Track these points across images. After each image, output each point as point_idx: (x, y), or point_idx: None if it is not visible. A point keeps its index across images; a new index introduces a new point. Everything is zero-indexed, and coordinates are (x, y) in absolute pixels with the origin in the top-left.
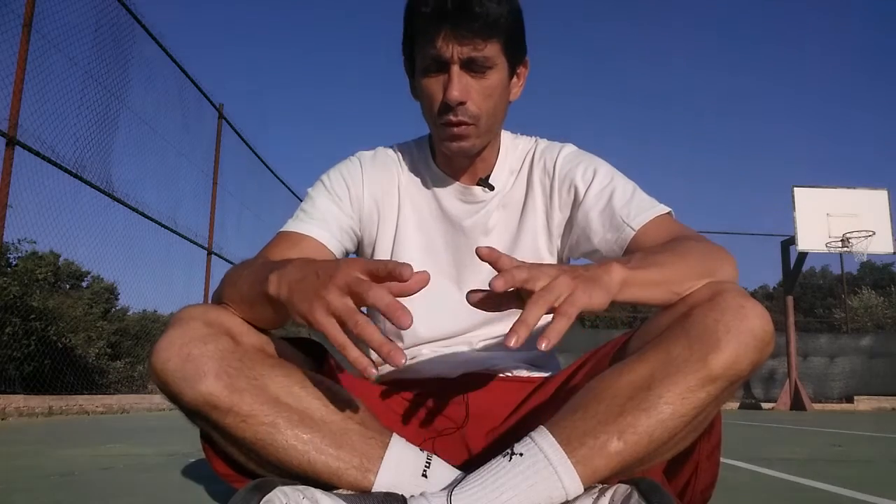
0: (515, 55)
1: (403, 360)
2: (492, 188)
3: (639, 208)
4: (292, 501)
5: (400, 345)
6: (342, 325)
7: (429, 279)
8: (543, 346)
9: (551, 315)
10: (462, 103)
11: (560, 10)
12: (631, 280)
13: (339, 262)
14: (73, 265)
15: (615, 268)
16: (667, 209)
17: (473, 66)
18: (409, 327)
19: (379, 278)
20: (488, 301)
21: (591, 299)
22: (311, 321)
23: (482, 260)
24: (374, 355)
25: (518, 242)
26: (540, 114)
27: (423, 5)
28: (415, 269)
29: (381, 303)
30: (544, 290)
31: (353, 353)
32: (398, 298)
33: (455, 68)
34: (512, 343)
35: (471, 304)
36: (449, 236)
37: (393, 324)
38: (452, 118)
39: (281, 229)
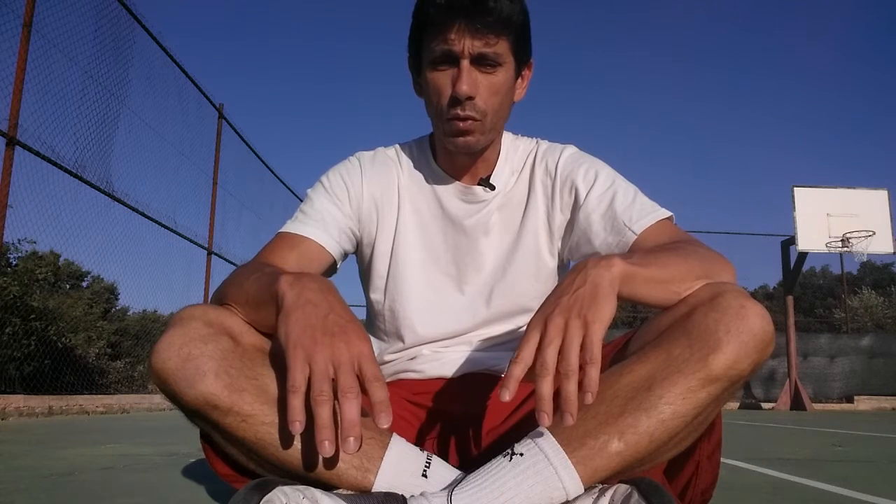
0: (522, 55)
1: (329, 454)
2: (493, 188)
3: (640, 212)
4: (292, 501)
5: (400, 345)
6: (307, 380)
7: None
8: (589, 399)
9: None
10: (471, 98)
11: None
12: (632, 276)
13: (353, 333)
14: (73, 265)
15: (616, 262)
16: (668, 213)
17: (483, 62)
18: (350, 452)
19: (364, 389)
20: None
21: (603, 320)
22: (287, 349)
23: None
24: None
25: (519, 243)
26: (534, 109)
27: None
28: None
29: (344, 414)
30: (563, 359)
31: (294, 401)
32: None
33: (465, 63)
34: (569, 422)
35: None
36: (449, 236)
37: (340, 436)
38: (460, 112)
39: (280, 230)
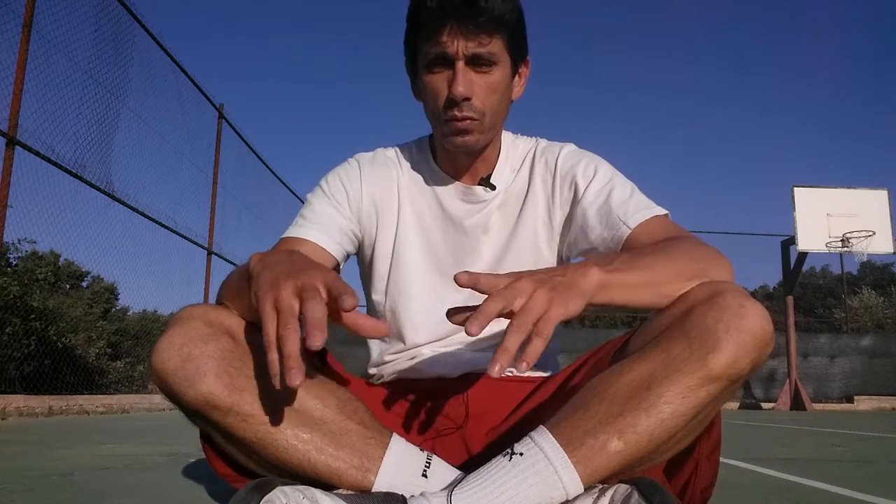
0: (518, 53)
1: (297, 382)
2: (493, 188)
3: (636, 208)
4: (292, 501)
5: (401, 345)
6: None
7: (386, 332)
8: (523, 367)
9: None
10: (467, 99)
11: None
12: (609, 283)
13: (312, 264)
14: (73, 265)
15: (592, 270)
16: (664, 210)
17: (478, 62)
18: (316, 346)
19: (331, 297)
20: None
21: (566, 310)
22: (258, 306)
23: (461, 287)
24: (375, 354)
25: (516, 237)
26: (533, 108)
27: (427, 0)
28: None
29: (308, 314)
30: (522, 314)
31: (271, 355)
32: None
33: (460, 64)
34: (495, 372)
35: (453, 323)
36: (450, 236)
37: (304, 337)
38: (457, 113)
39: (282, 235)
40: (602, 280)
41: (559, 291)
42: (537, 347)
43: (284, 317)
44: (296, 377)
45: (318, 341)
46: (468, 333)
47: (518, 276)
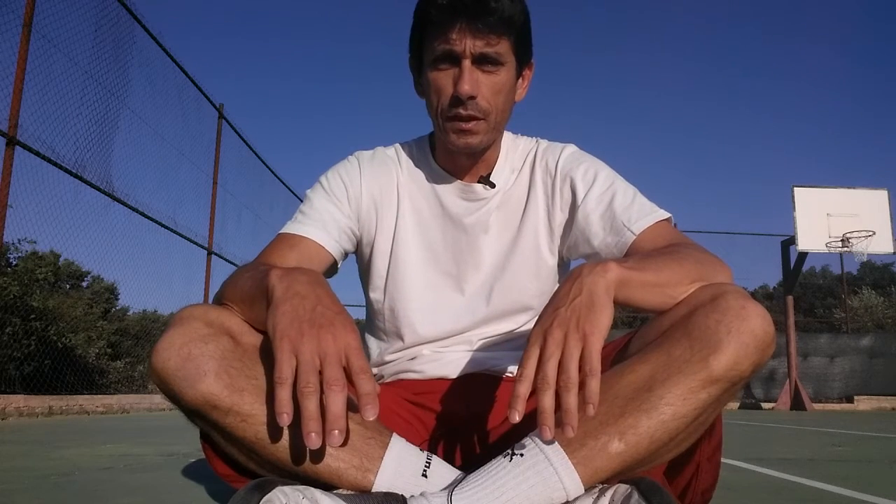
0: (523, 55)
1: (315, 445)
2: (493, 185)
3: (640, 213)
4: (292, 501)
5: (400, 344)
6: (295, 372)
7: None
8: (591, 411)
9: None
10: (472, 97)
11: None
12: (628, 280)
13: (341, 324)
14: (73, 265)
15: (612, 266)
16: (667, 214)
17: (485, 62)
18: (315, 446)
19: (351, 381)
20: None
21: (600, 329)
22: (274, 341)
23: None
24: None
25: (518, 241)
26: (534, 108)
27: None
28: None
29: (330, 407)
30: (563, 373)
31: (282, 395)
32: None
33: (467, 63)
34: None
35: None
36: (449, 234)
37: (326, 428)
38: (462, 112)
39: (280, 231)
40: (622, 276)
41: (585, 317)
42: (594, 387)
43: (304, 373)
44: (315, 441)
45: (336, 442)
46: (511, 422)
47: (542, 333)
